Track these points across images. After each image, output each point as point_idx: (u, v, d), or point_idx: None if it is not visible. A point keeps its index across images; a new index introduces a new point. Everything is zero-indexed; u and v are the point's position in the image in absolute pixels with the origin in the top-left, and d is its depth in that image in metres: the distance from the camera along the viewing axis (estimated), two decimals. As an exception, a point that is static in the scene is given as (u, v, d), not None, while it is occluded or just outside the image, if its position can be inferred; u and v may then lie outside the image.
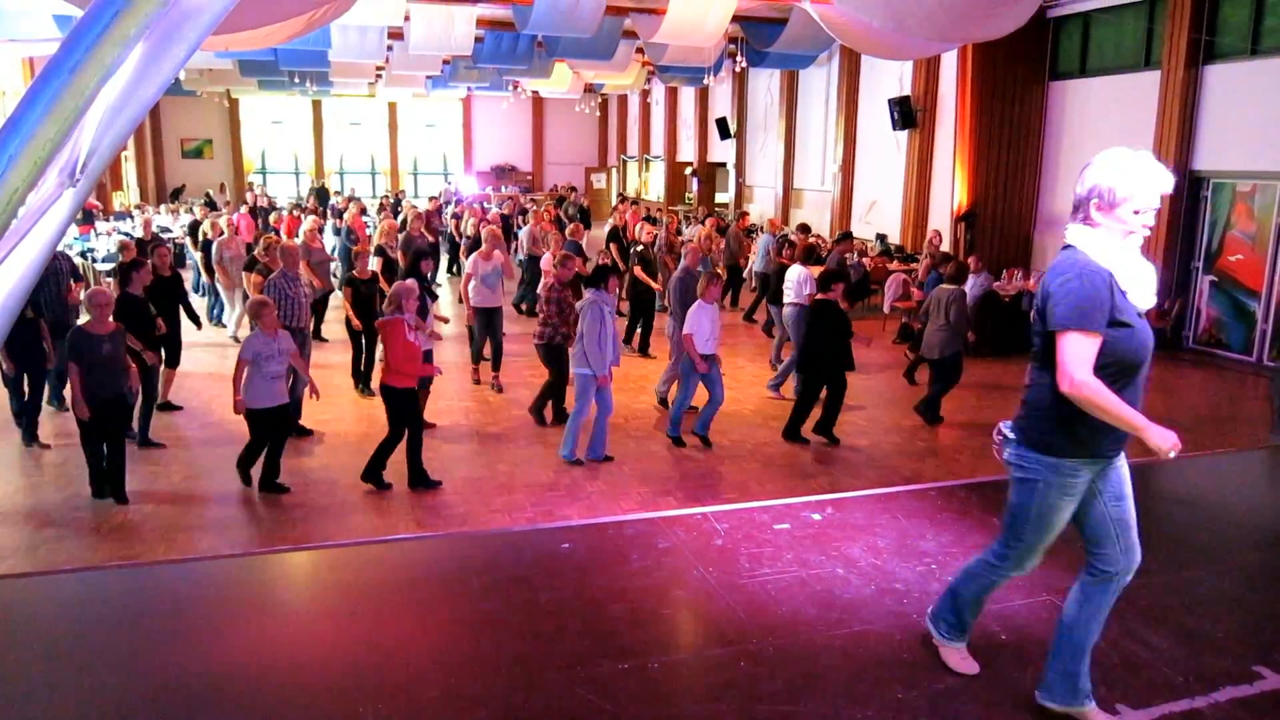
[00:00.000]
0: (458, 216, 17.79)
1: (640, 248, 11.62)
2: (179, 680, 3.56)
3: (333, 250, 13.36)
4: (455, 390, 9.02)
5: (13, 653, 3.89)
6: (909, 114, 15.24)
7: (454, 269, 16.78)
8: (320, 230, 13.13)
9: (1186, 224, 11.46)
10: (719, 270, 11.42)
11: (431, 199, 20.68)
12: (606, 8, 10.76)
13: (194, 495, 6.41)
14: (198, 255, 13.17)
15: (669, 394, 8.71)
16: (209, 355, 10.49)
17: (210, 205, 20.49)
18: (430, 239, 13.35)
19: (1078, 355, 2.83)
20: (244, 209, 17.66)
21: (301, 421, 7.65)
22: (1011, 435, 3.17)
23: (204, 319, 11.86)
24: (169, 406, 8.19)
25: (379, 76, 20.79)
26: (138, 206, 21.72)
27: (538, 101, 31.18)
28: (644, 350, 10.90)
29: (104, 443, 6.12)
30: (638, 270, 10.82)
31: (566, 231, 12.55)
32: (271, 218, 14.75)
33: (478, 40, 13.98)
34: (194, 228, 14.78)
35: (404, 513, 6.06)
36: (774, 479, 6.77)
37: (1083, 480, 3.05)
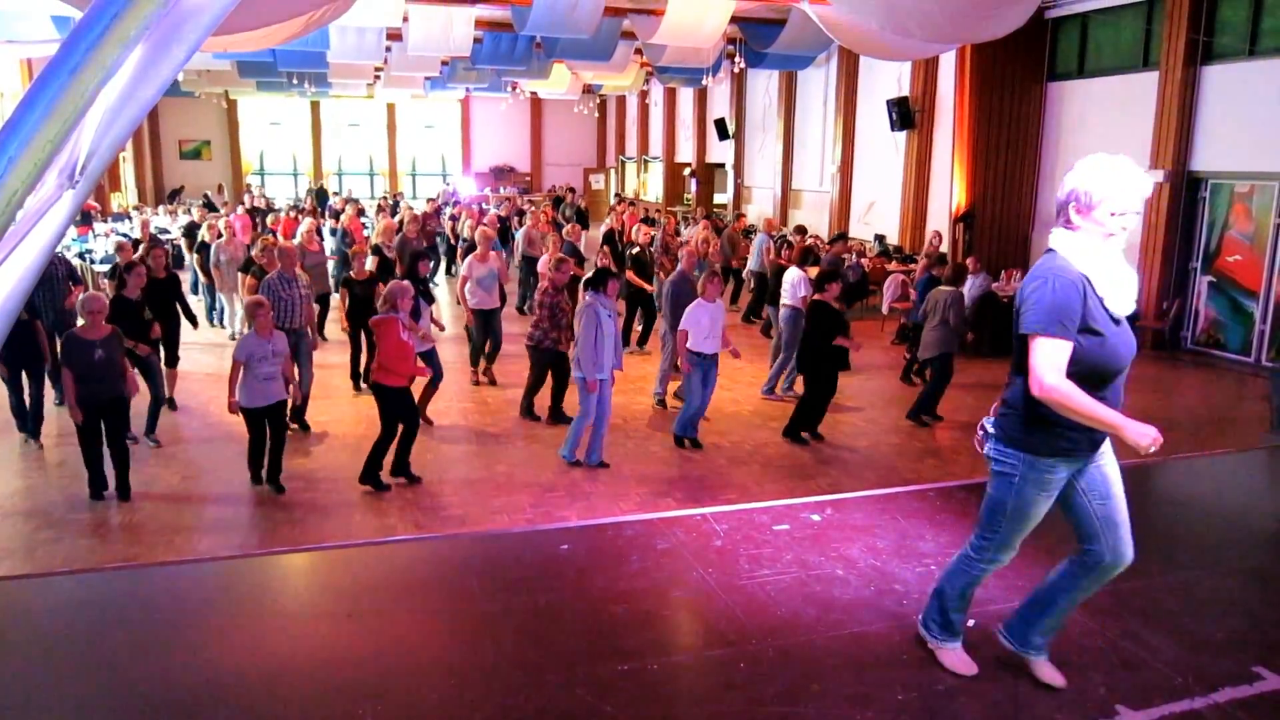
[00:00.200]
0: (455, 218, 17.79)
1: (636, 249, 11.60)
2: (178, 682, 3.56)
3: (332, 251, 13.35)
4: (454, 391, 9.01)
5: (11, 655, 3.88)
6: (907, 115, 15.25)
7: (451, 270, 16.79)
8: (319, 231, 13.13)
9: (1184, 224, 11.47)
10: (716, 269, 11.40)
11: (430, 200, 20.68)
12: (605, 9, 10.76)
13: (192, 496, 6.40)
14: (193, 257, 13.17)
15: (666, 395, 8.71)
16: (208, 356, 10.48)
17: (209, 206, 20.47)
18: (427, 241, 13.36)
19: (1047, 360, 2.87)
20: (240, 210, 17.64)
21: (305, 418, 7.68)
22: (992, 431, 3.21)
23: (201, 319, 11.90)
24: (169, 404, 8.22)
25: (377, 78, 20.81)
26: (136, 208, 21.71)
27: (536, 102, 31.19)
28: (642, 343, 10.94)
29: (103, 446, 6.12)
30: (630, 274, 10.80)
31: (564, 233, 12.54)
32: (269, 219, 14.74)
33: (476, 41, 13.99)
34: (190, 229, 14.77)
35: (403, 514, 6.06)
36: (773, 480, 6.77)
37: (1059, 477, 3.08)
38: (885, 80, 16.38)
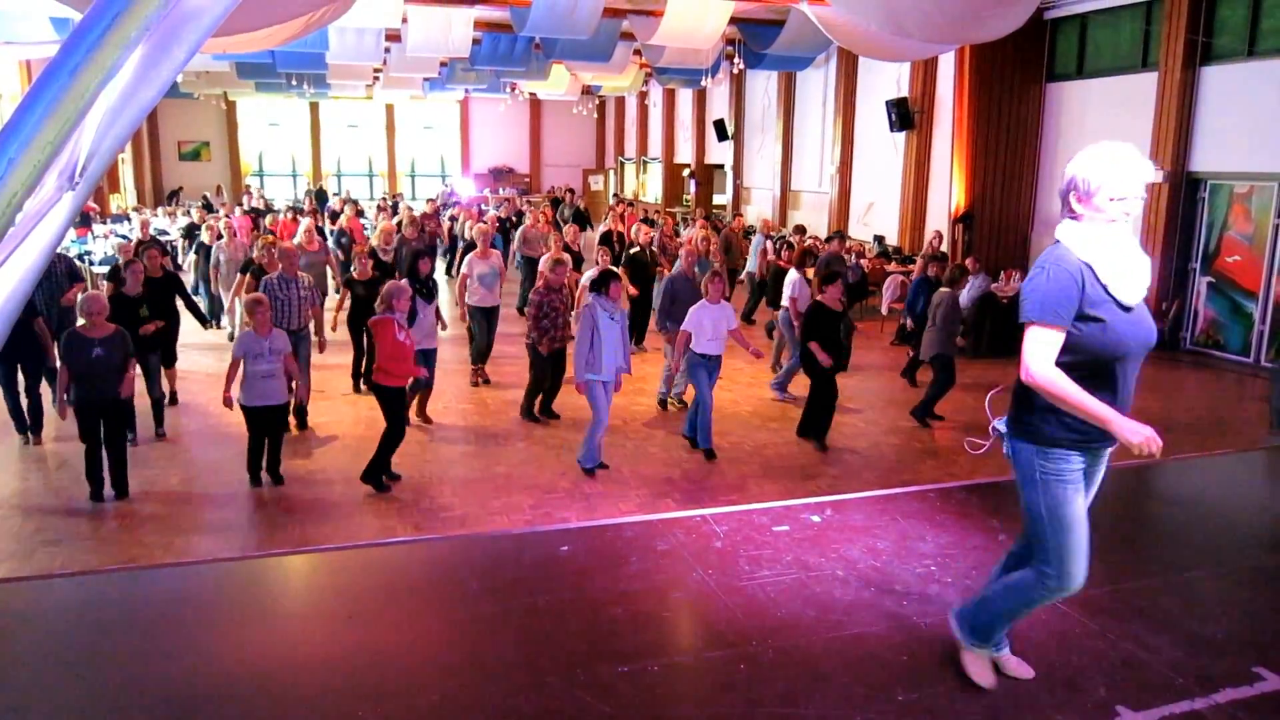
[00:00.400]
0: (454, 219, 17.78)
1: (635, 250, 11.59)
2: (178, 684, 3.55)
3: (330, 251, 13.28)
4: (453, 392, 9.01)
5: (10, 657, 3.88)
6: (906, 115, 15.26)
7: (450, 271, 16.77)
8: (319, 231, 13.11)
9: (1184, 225, 11.48)
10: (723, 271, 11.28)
11: (429, 201, 20.69)
12: (604, 10, 10.76)
13: (192, 497, 6.40)
14: (190, 258, 13.16)
15: (669, 397, 8.70)
16: (207, 356, 10.47)
17: (207, 208, 20.46)
18: (427, 241, 13.34)
19: (1036, 347, 2.88)
20: (238, 212, 17.61)
21: (308, 423, 7.69)
22: (1004, 430, 3.19)
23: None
24: (171, 399, 8.27)
25: (376, 79, 20.81)
26: (135, 209, 21.70)
27: (535, 103, 31.19)
28: (638, 342, 10.94)
29: (102, 445, 6.12)
30: (622, 273, 10.77)
31: (561, 234, 12.53)
32: (268, 220, 14.74)
33: (475, 42, 13.99)
34: (190, 230, 14.76)
35: (402, 515, 6.06)
36: (773, 481, 6.77)
37: (1078, 466, 3.03)
38: (884, 81, 16.39)
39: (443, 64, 17.47)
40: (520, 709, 3.37)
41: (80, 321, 6.20)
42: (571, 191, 26.01)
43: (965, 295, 9.59)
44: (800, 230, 14.08)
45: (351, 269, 9.11)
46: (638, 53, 15.70)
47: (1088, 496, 3.12)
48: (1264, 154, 10.40)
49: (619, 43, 13.67)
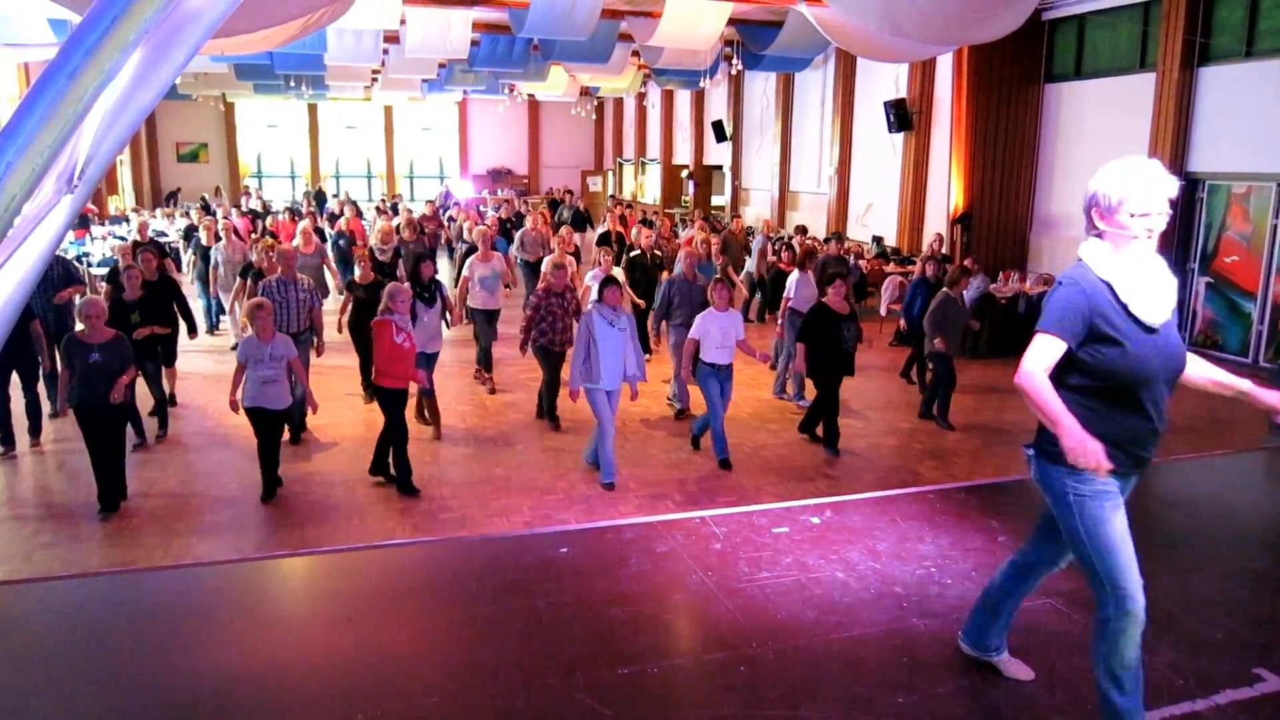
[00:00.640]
0: (452, 220, 17.77)
1: (636, 252, 11.55)
2: (178, 686, 3.55)
3: (330, 252, 13.25)
4: (453, 394, 9.00)
5: (9, 660, 3.87)
6: (905, 116, 15.27)
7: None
8: (319, 232, 13.10)
9: (1182, 226, 11.48)
10: (731, 275, 11.09)
11: (428, 203, 20.68)
12: (602, 11, 10.76)
13: (191, 499, 6.38)
14: (188, 259, 13.14)
15: (670, 400, 8.65)
16: (206, 359, 10.47)
17: (206, 209, 20.45)
18: (428, 243, 13.33)
19: (1034, 352, 2.87)
20: (235, 213, 17.57)
21: (307, 424, 7.67)
22: (1031, 453, 3.10)
23: (201, 323, 11.86)
24: (170, 400, 8.27)
25: (375, 80, 20.79)
26: (134, 210, 21.67)
27: (533, 105, 31.19)
28: (646, 347, 10.90)
29: (100, 449, 6.08)
30: (623, 275, 10.74)
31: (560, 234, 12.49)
32: (269, 221, 14.71)
33: (473, 44, 13.99)
34: (189, 232, 14.74)
35: (401, 517, 6.05)
36: (772, 482, 6.76)
37: (1110, 486, 2.92)
38: (883, 82, 16.40)
39: (441, 65, 17.46)
40: (519, 711, 3.37)
41: (79, 326, 6.18)
42: (570, 193, 26.02)
43: (966, 296, 9.58)
44: (801, 230, 14.07)
45: (354, 271, 9.05)
46: (636, 54, 15.70)
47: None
48: (1262, 154, 10.41)
49: (617, 44, 13.66)
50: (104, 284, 10.08)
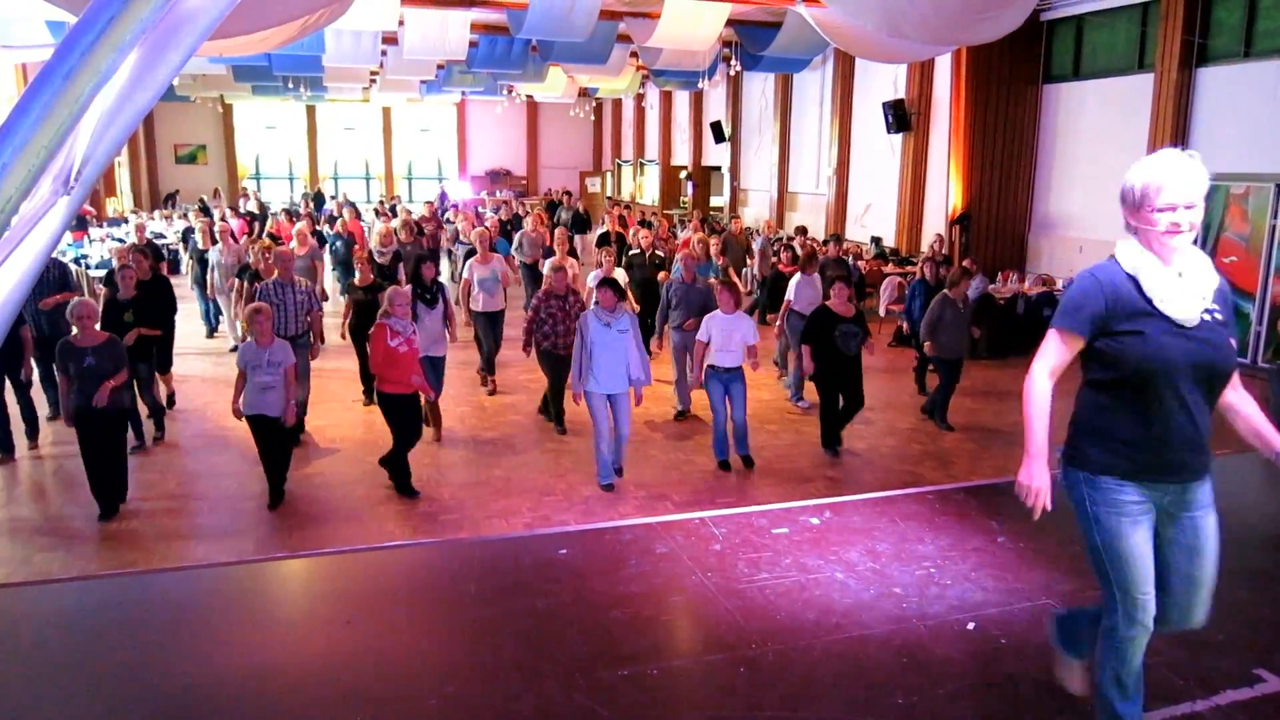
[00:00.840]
0: (449, 221, 17.76)
1: (634, 253, 11.54)
2: (177, 689, 3.54)
3: (330, 254, 13.24)
4: (452, 396, 8.98)
5: (9, 662, 3.86)
6: (903, 117, 15.27)
7: (453, 275, 16.71)
8: (317, 234, 13.09)
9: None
10: (732, 276, 10.99)
11: (427, 204, 20.67)
12: (601, 12, 10.75)
13: (190, 502, 6.38)
14: (186, 260, 13.14)
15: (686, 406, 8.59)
16: (204, 362, 10.46)
17: (204, 210, 20.44)
18: (428, 245, 13.32)
19: (1041, 353, 2.87)
20: (230, 215, 17.54)
21: (306, 426, 7.64)
22: (1058, 456, 3.00)
23: (199, 326, 11.87)
24: (169, 401, 8.25)
25: (373, 81, 20.77)
26: (133, 211, 21.66)
27: (532, 106, 31.18)
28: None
29: (97, 454, 6.04)
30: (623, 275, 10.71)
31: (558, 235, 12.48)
32: (269, 223, 14.70)
33: (472, 45, 13.98)
34: (188, 234, 14.74)
35: (400, 519, 6.04)
36: (771, 483, 6.76)
37: (1132, 499, 2.81)
38: (881, 83, 16.40)
39: (440, 66, 17.45)
40: (519, 712, 3.36)
41: (73, 330, 6.12)
42: (569, 194, 26.04)
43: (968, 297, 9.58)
44: (802, 231, 14.07)
45: (355, 274, 8.98)
46: (634, 55, 15.70)
47: (1200, 548, 2.89)
48: (1260, 155, 10.41)
49: (616, 45, 13.67)
50: (101, 287, 10.08)
